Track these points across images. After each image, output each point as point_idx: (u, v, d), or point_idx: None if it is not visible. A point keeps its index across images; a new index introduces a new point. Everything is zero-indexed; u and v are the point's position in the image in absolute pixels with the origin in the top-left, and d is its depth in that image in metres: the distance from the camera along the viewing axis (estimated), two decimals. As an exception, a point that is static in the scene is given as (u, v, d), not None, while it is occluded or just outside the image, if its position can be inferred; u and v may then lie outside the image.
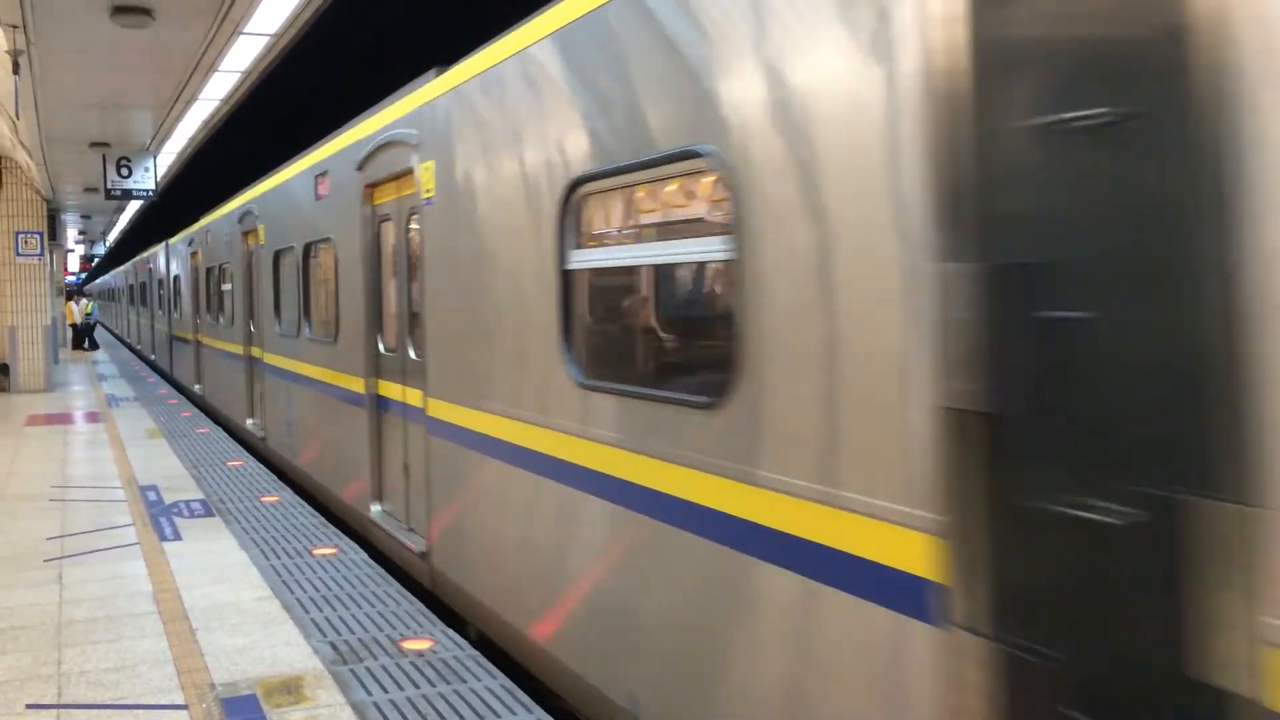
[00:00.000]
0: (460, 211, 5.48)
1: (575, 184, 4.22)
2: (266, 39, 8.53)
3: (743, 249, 3.15)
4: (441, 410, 5.84)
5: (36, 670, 4.72)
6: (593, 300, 4.51)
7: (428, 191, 5.92)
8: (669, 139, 3.56)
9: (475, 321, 5.32)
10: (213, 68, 9.59)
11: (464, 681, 4.57)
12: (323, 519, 7.90)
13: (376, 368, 7.26)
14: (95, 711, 4.27)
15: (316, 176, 8.65)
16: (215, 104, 11.51)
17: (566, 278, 4.34)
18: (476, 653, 4.94)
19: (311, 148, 9.11)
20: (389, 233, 7.07)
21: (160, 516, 7.91)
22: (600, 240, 4.40)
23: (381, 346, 7.19)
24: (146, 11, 7.83)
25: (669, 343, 4.27)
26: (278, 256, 10.43)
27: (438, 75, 5.83)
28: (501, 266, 4.99)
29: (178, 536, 7.27)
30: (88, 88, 10.77)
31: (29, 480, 9.54)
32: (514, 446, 4.88)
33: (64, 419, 14.34)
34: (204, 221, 15.98)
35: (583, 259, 4.29)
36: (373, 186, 7.23)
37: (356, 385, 7.57)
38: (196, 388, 17.02)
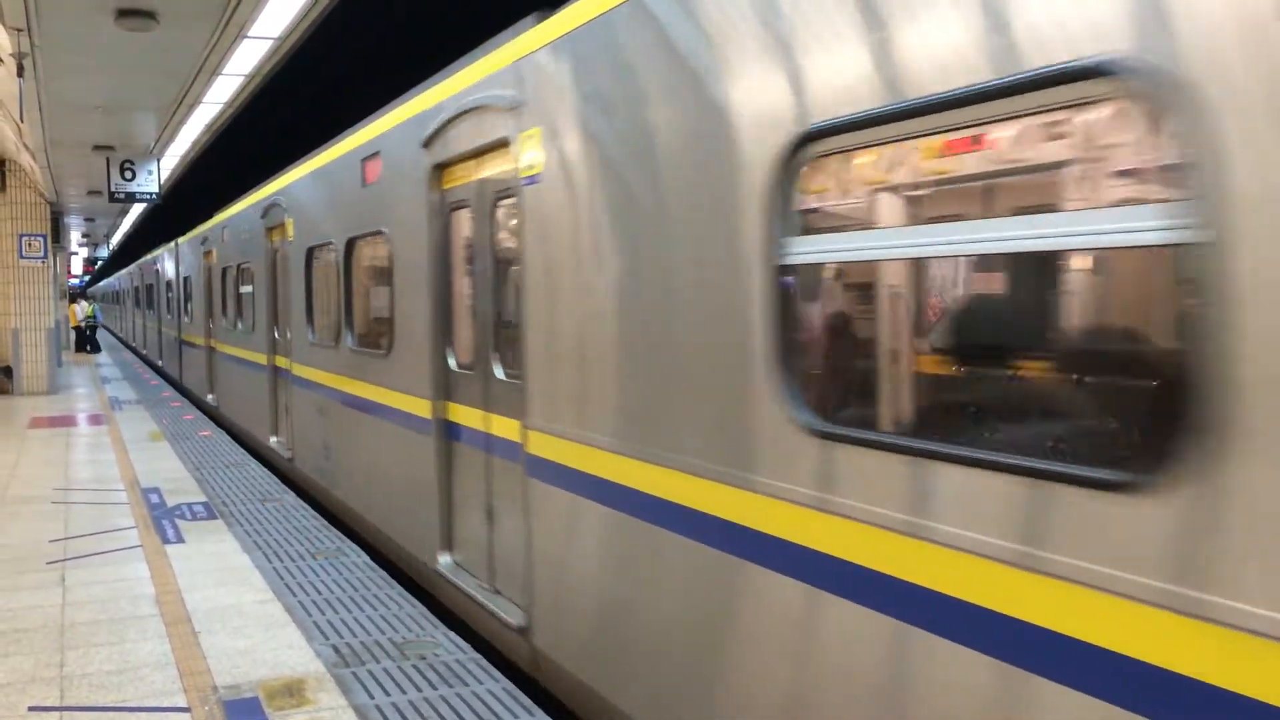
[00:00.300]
0: (584, 191, 4.27)
1: (804, 140, 3.01)
2: (270, 42, 8.55)
3: (1222, 225, 1.97)
4: (549, 447, 4.62)
5: (39, 672, 4.73)
6: (839, 309, 3.42)
7: (531, 168, 4.71)
8: (1033, 53, 2.30)
9: (607, 336, 4.14)
10: (216, 71, 9.61)
11: (466, 685, 4.56)
12: (325, 521, 7.90)
13: (446, 388, 6.09)
14: (98, 714, 4.27)
15: (364, 160, 7.46)
16: (219, 107, 11.53)
17: (783, 275, 3.15)
18: (479, 655, 4.94)
19: (354, 127, 7.93)
20: (464, 223, 5.84)
21: (163, 519, 7.92)
22: (859, 221, 3.16)
23: (453, 362, 6.01)
24: (150, 14, 7.84)
25: (1017, 377, 2.88)
26: (310, 254, 9.23)
27: (539, 21, 4.70)
28: (655, 262, 3.79)
29: (180, 539, 7.27)
30: (92, 90, 10.80)
31: (32, 483, 9.54)
32: (676, 507, 3.68)
33: (67, 421, 14.35)
34: (219, 217, 14.77)
35: (819, 249, 3.10)
36: (443, 167, 6.00)
37: (418, 408, 6.38)
38: (209, 398, 15.85)
